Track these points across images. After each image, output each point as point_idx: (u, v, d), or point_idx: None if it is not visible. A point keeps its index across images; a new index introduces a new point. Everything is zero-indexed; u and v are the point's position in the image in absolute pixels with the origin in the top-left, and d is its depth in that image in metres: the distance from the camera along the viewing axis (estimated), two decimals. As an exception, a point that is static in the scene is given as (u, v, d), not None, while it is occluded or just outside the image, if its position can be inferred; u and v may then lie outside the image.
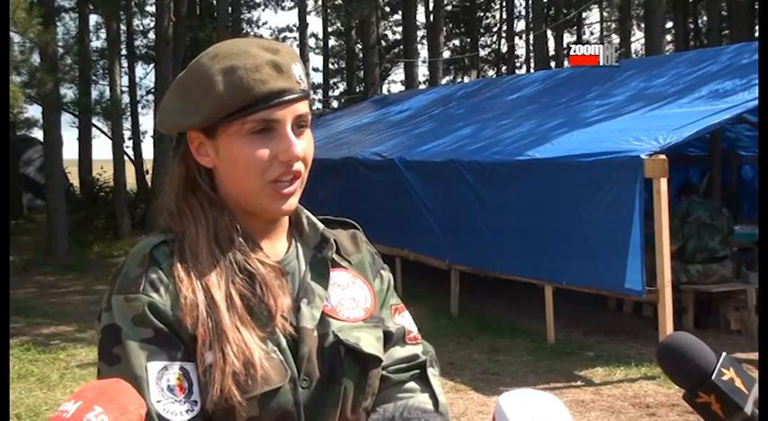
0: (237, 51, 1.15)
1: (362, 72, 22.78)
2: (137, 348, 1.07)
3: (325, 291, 1.22)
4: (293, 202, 1.18)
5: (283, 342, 1.15)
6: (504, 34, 29.17)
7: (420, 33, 25.47)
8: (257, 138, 1.14)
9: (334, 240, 1.27)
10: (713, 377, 0.92)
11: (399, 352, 1.30)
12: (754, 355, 5.97)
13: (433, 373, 1.33)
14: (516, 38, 29.47)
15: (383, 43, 27.71)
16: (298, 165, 1.16)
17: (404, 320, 1.33)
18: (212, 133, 1.16)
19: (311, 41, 27.92)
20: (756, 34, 18.89)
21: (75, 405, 0.88)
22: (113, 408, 0.89)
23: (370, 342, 1.22)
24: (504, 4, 28.80)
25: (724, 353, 0.96)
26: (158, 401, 1.05)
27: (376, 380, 1.24)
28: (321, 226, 1.28)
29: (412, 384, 1.30)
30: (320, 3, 25.62)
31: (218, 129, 1.15)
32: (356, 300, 1.26)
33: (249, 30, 23.54)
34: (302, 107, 1.17)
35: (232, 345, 1.09)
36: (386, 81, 30.12)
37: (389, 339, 1.29)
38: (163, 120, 1.21)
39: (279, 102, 1.13)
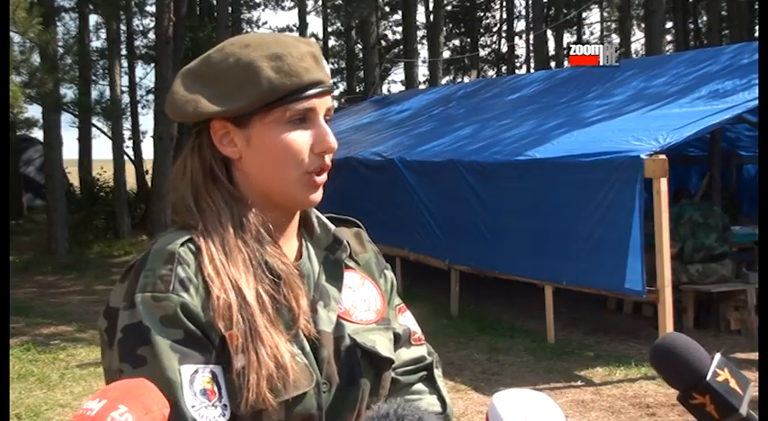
0: (274, 41, 1.16)
1: (362, 72, 22.77)
2: (168, 350, 1.03)
3: (339, 294, 1.21)
4: (321, 194, 1.19)
5: (306, 345, 1.14)
6: (504, 34, 29.18)
7: (420, 33, 25.44)
8: (294, 127, 1.14)
9: (347, 242, 1.26)
10: (708, 378, 0.92)
11: (406, 353, 1.29)
12: (754, 355, 5.97)
13: (438, 374, 1.33)
14: (516, 38, 29.49)
15: (383, 43, 27.70)
16: (328, 158, 1.18)
17: (407, 321, 1.33)
18: (246, 122, 1.14)
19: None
20: (756, 34, 18.89)
21: (99, 403, 0.87)
22: (138, 408, 0.88)
23: (384, 344, 1.22)
24: (504, 4, 28.81)
25: (718, 354, 0.96)
26: (193, 406, 1.02)
27: (388, 383, 1.24)
28: (332, 227, 1.27)
29: (420, 386, 1.29)
30: (320, 3, 25.63)
31: (253, 117, 1.14)
32: (367, 302, 1.25)
33: (249, 30, 23.52)
34: (330, 101, 1.19)
35: (266, 347, 1.07)
36: (386, 81, 30.12)
37: (396, 340, 1.28)
38: (184, 108, 1.15)
39: (319, 92, 1.15)
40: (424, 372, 1.30)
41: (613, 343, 6.85)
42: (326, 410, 1.14)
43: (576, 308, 7.72)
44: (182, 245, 1.10)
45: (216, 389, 1.05)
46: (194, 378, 1.04)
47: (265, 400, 1.06)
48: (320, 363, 1.14)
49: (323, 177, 1.18)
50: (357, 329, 1.20)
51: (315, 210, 1.28)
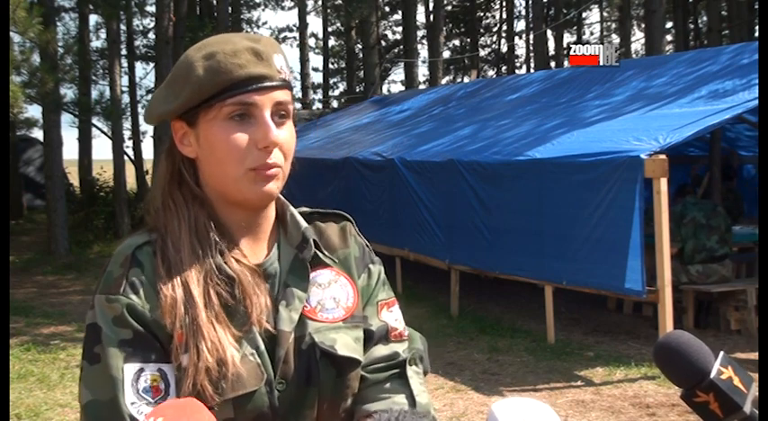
0: (220, 40, 1.18)
1: (362, 72, 22.77)
2: (115, 349, 1.08)
3: (304, 293, 1.21)
4: (273, 189, 1.17)
5: (261, 344, 1.14)
6: (504, 34, 29.18)
7: (420, 33, 25.47)
8: (235, 124, 1.14)
9: (314, 240, 1.25)
10: (712, 376, 0.92)
11: (380, 350, 1.27)
12: (754, 355, 5.97)
13: (415, 371, 1.28)
14: (516, 38, 29.50)
15: (383, 43, 27.70)
16: (277, 156, 1.15)
17: (390, 316, 1.30)
18: (193, 121, 1.17)
19: (311, 41, 27.96)
20: (756, 34, 18.89)
21: None
22: None
23: (346, 343, 1.21)
24: (504, 4, 28.81)
25: (722, 352, 0.96)
26: (132, 403, 1.06)
27: (355, 382, 1.22)
28: (303, 225, 1.26)
29: (389, 384, 1.26)
30: (320, 3, 25.64)
31: (198, 115, 1.16)
32: (337, 300, 1.24)
33: (249, 29, 23.53)
34: (282, 95, 1.16)
35: (207, 342, 1.09)
36: (386, 81, 30.15)
37: (371, 338, 1.26)
38: (147, 111, 1.23)
39: (257, 87, 1.14)
40: (396, 370, 1.27)
41: (613, 343, 6.85)
42: (283, 408, 1.15)
43: (576, 308, 7.73)
44: (138, 247, 1.15)
45: (162, 386, 1.08)
46: (139, 375, 1.08)
47: (204, 391, 1.08)
48: (275, 362, 1.15)
49: (273, 171, 1.16)
50: (320, 328, 1.20)
51: (291, 207, 1.28)
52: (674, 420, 4.91)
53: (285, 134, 1.16)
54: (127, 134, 18.48)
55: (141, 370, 1.08)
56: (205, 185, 1.20)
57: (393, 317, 1.31)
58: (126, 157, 16.72)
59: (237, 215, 1.19)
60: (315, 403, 1.18)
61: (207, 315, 1.11)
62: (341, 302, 1.24)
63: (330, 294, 1.24)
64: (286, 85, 1.17)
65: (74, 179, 19.29)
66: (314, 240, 1.25)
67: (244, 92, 1.13)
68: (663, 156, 5.73)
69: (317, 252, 1.25)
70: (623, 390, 5.51)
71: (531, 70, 22.92)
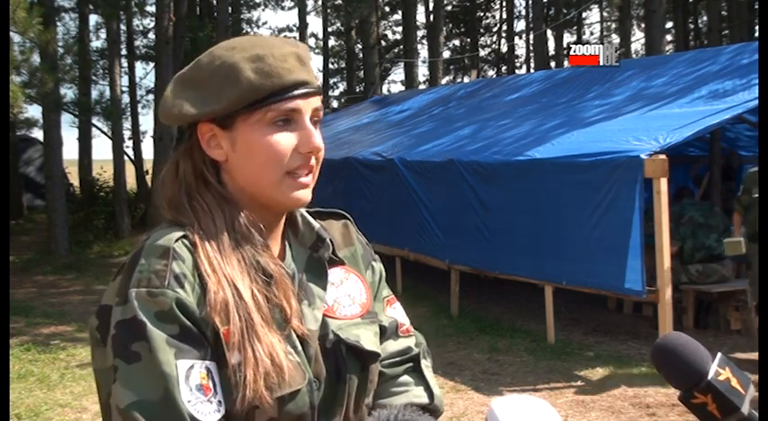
0: (259, 43, 1.16)
1: (362, 72, 22.76)
2: (164, 344, 1.03)
3: (324, 292, 1.22)
4: (308, 194, 1.18)
5: (298, 344, 1.15)
6: (504, 34, 29.16)
7: (420, 33, 25.45)
8: (278, 128, 1.14)
9: (330, 240, 1.26)
10: (709, 377, 0.92)
11: (393, 345, 1.30)
12: (754, 355, 5.97)
13: (426, 365, 1.33)
14: (516, 38, 29.49)
15: (383, 43, 27.68)
16: (313, 161, 1.17)
17: (396, 312, 1.34)
18: (230, 124, 1.15)
19: (311, 41, 27.93)
20: (756, 34, 18.89)
21: None
22: None
23: (369, 338, 1.23)
24: (504, 4, 28.79)
25: (720, 353, 0.96)
26: (189, 401, 1.02)
27: (376, 376, 1.25)
28: (317, 225, 1.27)
29: (406, 378, 1.30)
30: (320, 3, 25.62)
31: (236, 119, 1.14)
32: (351, 297, 1.26)
33: (249, 30, 23.52)
34: (318, 101, 1.18)
35: (263, 345, 1.08)
36: (386, 81, 30.13)
37: (383, 333, 1.29)
38: (171, 111, 1.17)
39: (302, 93, 1.15)
40: (410, 364, 1.31)
41: (613, 343, 6.85)
42: (320, 406, 1.16)
43: (576, 308, 7.72)
44: (177, 240, 1.10)
45: (211, 384, 1.05)
46: (190, 373, 1.04)
47: (261, 397, 1.06)
48: (309, 362, 1.16)
49: (308, 178, 1.17)
50: (341, 325, 1.21)
51: (300, 208, 1.28)
52: (674, 420, 4.91)
53: (321, 140, 1.18)
54: (127, 134, 18.52)
55: (192, 367, 1.04)
56: (232, 187, 1.18)
57: (398, 313, 1.35)
58: (126, 157, 16.74)
59: (261, 216, 1.18)
60: (344, 400, 1.19)
61: (260, 318, 1.09)
62: (356, 299, 1.26)
63: (344, 292, 1.25)
64: (320, 92, 1.19)
65: (74, 179, 19.30)
66: (330, 240, 1.26)
67: (290, 97, 1.13)
68: (663, 157, 5.73)
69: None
70: (623, 390, 5.51)
71: (531, 70, 22.91)
